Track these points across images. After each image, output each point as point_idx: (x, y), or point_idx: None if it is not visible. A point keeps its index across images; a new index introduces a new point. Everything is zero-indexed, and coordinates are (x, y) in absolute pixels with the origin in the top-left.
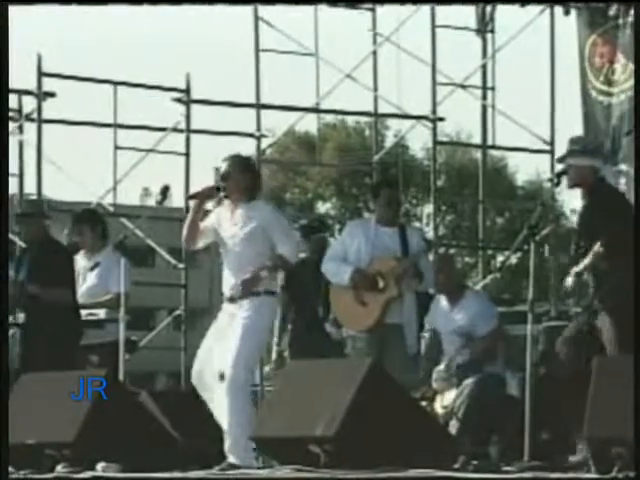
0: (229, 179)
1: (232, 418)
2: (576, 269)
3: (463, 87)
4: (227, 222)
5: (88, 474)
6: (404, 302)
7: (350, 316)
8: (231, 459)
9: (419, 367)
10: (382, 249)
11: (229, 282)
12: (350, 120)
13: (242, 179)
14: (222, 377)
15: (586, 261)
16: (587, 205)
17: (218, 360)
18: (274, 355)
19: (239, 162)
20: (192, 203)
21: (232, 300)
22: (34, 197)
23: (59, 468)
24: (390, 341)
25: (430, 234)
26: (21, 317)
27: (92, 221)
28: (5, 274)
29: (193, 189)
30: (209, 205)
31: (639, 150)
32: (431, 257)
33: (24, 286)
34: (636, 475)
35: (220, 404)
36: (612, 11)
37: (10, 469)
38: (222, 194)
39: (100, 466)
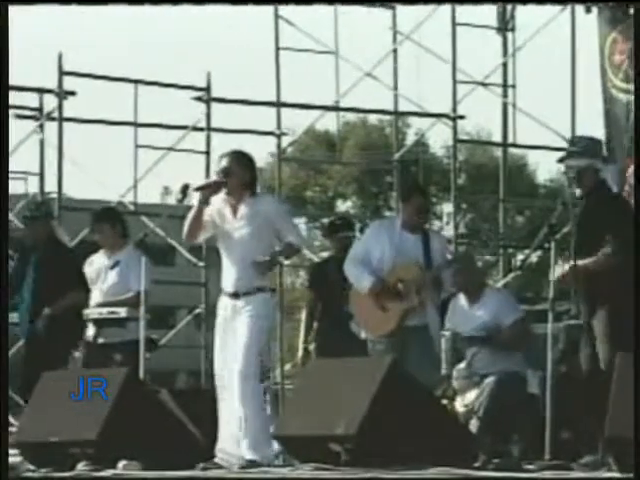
0: (230, 175)
1: (250, 415)
2: (573, 263)
3: (483, 85)
4: (231, 218)
5: (109, 472)
6: (426, 305)
7: (370, 320)
8: (250, 456)
9: (440, 366)
10: (405, 255)
11: (232, 277)
12: (372, 118)
13: (243, 175)
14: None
15: (589, 261)
16: (586, 207)
17: (233, 358)
18: (300, 352)
19: (240, 158)
20: (197, 196)
21: (235, 295)
22: (40, 198)
23: (80, 466)
24: (411, 342)
25: (450, 233)
26: (14, 317)
27: (112, 219)
28: (5, 274)
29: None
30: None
31: (639, 150)
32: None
33: (33, 293)
34: (636, 475)
35: (232, 403)
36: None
37: (31, 467)
38: (224, 190)
39: (121, 464)
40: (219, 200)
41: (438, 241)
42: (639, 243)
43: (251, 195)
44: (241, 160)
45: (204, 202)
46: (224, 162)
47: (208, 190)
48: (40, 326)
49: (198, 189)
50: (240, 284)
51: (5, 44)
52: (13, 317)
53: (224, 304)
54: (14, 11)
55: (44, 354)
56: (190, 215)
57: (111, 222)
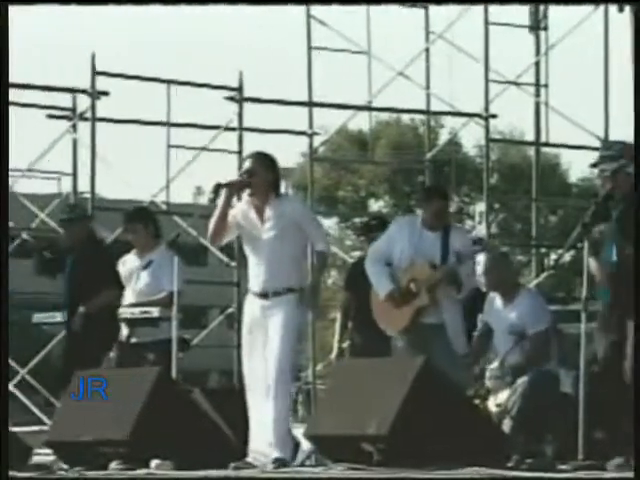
0: (255, 176)
1: (279, 414)
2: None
3: (516, 84)
4: (256, 219)
5: (142, 472)
6: (441, 304)
7: (385, 316)
8: (277, 454)
9: (470, 365)
10: (423, 253)
11: (260, 278)
12: (404, 117)
13: (266, 175)
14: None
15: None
16: (621, 210)
17: (262, 357)
18: (335, 352)
19: (262, 159)
20: (222, 194)
21: (264, 296)
22: (73, 198)
23: (113, 465)
24: (431, 341)
25: (483, 232)
26: (58, 316)
27: (144, 219)
28: (5, 274)
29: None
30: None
31: (639, 150)
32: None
33: (70, 292)
34: (636, 475)
35: (262, 402)
36: None
37: (64, 466)
38: (248, 191)
39: (153, 463)
40: (243, 202)
41: (459, 238)
42: (639, 243)
43: (276, 196)
44: (264, 161)
45: (228, 202)
46: (247, 163)
47: (234, 187)
48: (76, 325)
49: (224, 186)
50: (268, 285)
51: (5, 44)
52: (56, 316)
53: (251, 304)
54: (44, 12)
55: (80, 353)
56: (214, 216)
57: (144, 222)
